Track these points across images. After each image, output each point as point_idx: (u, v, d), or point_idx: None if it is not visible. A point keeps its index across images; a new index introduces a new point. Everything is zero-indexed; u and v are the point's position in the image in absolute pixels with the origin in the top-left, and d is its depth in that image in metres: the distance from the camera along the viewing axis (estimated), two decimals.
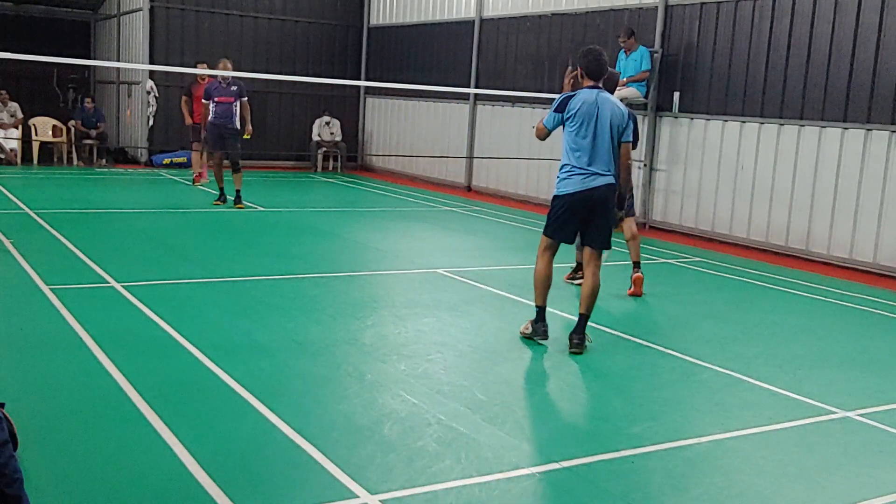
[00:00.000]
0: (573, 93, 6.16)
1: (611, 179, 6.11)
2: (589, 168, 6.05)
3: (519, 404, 5.09)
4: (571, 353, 6.07)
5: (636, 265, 8.12)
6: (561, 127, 6.21)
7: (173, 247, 9.34)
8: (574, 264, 8.34)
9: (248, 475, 3.85)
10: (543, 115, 6.42)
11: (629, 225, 8.27)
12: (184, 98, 14.85)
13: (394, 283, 8.29)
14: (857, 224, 10.26)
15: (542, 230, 6.37)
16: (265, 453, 4.09)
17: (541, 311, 6.27)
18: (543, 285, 6.25)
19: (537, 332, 6.26)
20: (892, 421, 5.08)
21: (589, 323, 6.27)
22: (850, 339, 7.10)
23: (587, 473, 4.12)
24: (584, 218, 6.15)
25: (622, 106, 6.21)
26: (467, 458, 4.16)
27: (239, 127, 12.41)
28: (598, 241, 6.24)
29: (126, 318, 6.29)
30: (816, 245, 10.72)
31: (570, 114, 6.08)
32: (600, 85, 6.18)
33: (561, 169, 6.19)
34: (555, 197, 6.22)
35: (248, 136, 12.76)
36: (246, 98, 12.52)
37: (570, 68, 6.56)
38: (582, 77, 6.19)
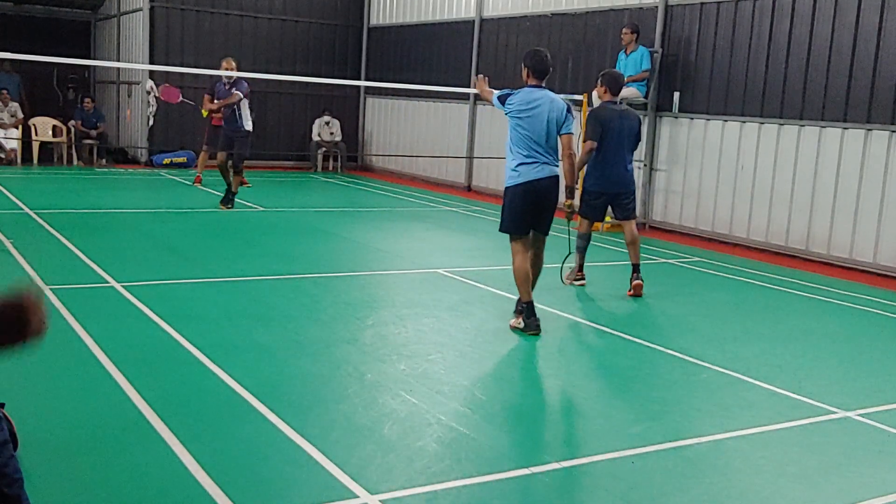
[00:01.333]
0: (516, 90, 6.57)
1: (555, 171, 6.53)
2: (532, 160, 6.46)
3: (519, 404, 5.09)
4: (512, 325, 6.48)
5: (636, 268, 8.11)
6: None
7: (173, 247, 9.34)
8: (574, 265, 8.34)
9: (248, 475, 3.85)
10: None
11: (630, 228, 8.27)
12: (206, 97, 14.52)
13: (394, 283, 8.29)
14: (857, 224, 10.26)
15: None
16: (265, 453, 4.09)
17: (529, 305, 6.47)
18: (526, 281, 6.50)
19: (530, 326, 6.43)
20: (892, 421, 5.08)
21: (589, 323, 6.27)
22: (850, 339, 7.10)
23: (587, 473, 4.12)
24: (533, 207, 6.51)
25: (561, 101, 6.61)
26: (467, 458, 4.16)
27: (246, 128, 12.26)
28: (544, 227, 6.65)
29: (126, 318, 6.29)
30: (816, 245, 10.72)
31: (510, 109, 6.51)
32: (543, 84, 6.60)
33: (508, 163, 6.58)
34: (505, 190, 6.61)
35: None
36: (242, 98, 12.46)
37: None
38: (528, 76, 6.61)
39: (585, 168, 8.17)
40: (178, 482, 3.74)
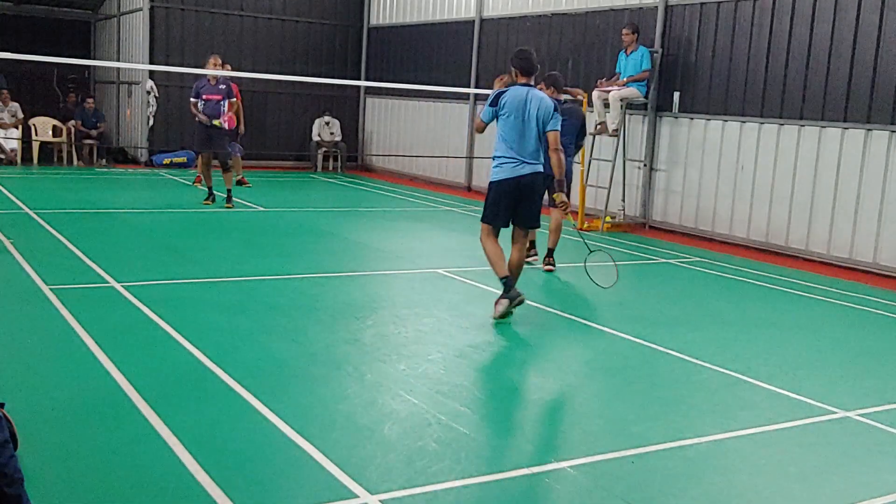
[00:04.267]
0: (505, 89, 6.82)
1: (538, 168, 6.80)
2: (517, 157, 6.72)
3: (519, 404, 5.09)
4: (496, 316, 6.61)
5: (550, 252, 8.93)
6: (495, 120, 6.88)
7: (173, 247, 9.34)
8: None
9: (248, 475, 3.85)
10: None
11: (556, 215, 8.78)
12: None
13: (394, 283, 8.29)
14: (857, 224, 10.26)
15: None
16: (265, 453, 4.09)
17: (507, 279, 6.73)
18: (499, 258, 6.81)
19: (513, 298, 6.65)
20: (892, 421, 5.08)
21: (589, 323, 6.27)
22: (850, 339, 7.10)
23: (587, 473, 4.12)
24: (514, 202, 6.78)
25: (549, 100, 6.85)
26: (467, 458, 4.16)
27: (227, 126, 12.35)
28: (526, 221, 6.90)
29: (126, 318, 6.29)
30: (816, 245, 10.72)
31: (501, 107, 6.76)
32: (531, 82, 6.87)
33: (494, 158, 6.84)
34: (489, 184, 6.90)
35: (219, 124, 12.60)
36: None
37: (504, 76, 7.27)
38: (515, 75, 6.88)
39: None
40: (179, 482, 3.74)
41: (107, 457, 3.97)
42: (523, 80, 6.85)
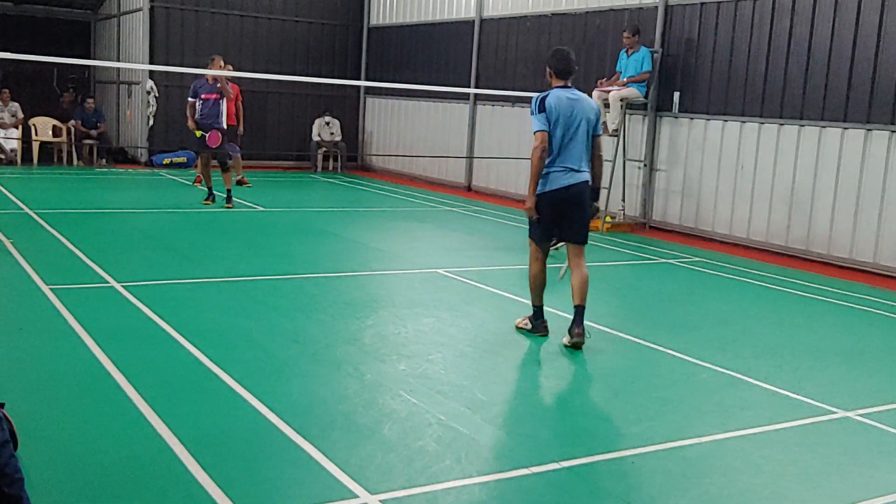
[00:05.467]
0: (546, 93, 6.21)
1: (586, 176, 6.24)
2: (565, 165, 6.14)
3: (519, 404, 5.09)
4: (572, 344, 6.13)
5: None
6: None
7: (173, 247, 9.34)
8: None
9: (248, 475, 3.85)
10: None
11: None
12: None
13: (394, 283, 8.29)
14: (857, 224, 10.26)
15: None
16: (265, 453, 4.09)
17: (539, 309, 6.49)
18: (540, 288, 6.43)
19: (538, 328, 6.46)
20: (892, 421, 5.08)
21: (590, 322, 6.27)
22: (850, 339, 7.10)
23: (587, 473, 4.12)
24: (562, 215, 6.24)
25: (593, 102, 6.36)
26: (467, 458, 4.16)
27: (225, 126, 12.37)
28: (577, 236, 6.34)
29: (126, 318, 6.29)
30: (816, 245, 10.72)
31: (549, 113, 6.11)
32: (569, 84, 6.28)
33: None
34: (534, 196, 6.24)
35: (199, 135, 12.57)
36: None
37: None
38: (551, 77, 6.32)
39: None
40: (179, 482, 3.74)
41: (106, 456, 3.97)
42: (560, 83, 6.25)
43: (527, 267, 6.55)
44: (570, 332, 6.21)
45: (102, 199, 13.10)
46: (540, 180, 6.17)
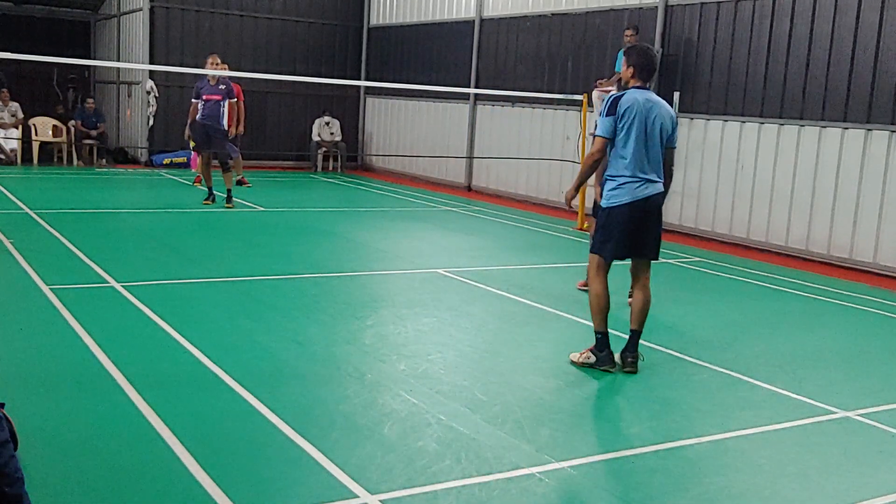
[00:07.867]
0: (620, 93, 5.66)
1: (661, 187, 5.70)
2: (641, 175, 5.58)
3: (519, 404, 5.09)
4: (626, 371, 5.71)
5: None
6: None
7: (173, 247, 9.34)
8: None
9: (248, 475, 3.85)
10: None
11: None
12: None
13: (394, 283, 8.28)
14: (857, 224, 10.26)
15: (593, 238, 5.99)
16: (265, 453, 4.09)
17: (604, 336, 5.76)
18: (604, 310, 5.77)
19: (603, 361, 5.73)
20: (892, 421, 5.08)
21: (589, 323, 6.25)
22: (850, 339, 7.10)
23: (587, 473, 4.12)
24: (637, 229, 5.65)
25: (671, 109, 5.80)
26: (467, 458, 4.16)
27: (226, 127, 12.38)
28: (651, 251, 5.79)
29: (126, 318, 6.29)
30: (816, 245, 10.72)
31: (621, 116, 5.56)
32: (648, 86, 5.76)
33: (608, 178, 5.68)
34: (606, 209, 5.69)
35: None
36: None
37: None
38: (632, 76, 5.72)
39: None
40: (179, 482, 3.74)
41: (106, 457, 3.97)
42: (638, 83, 5.67)
43: (528, 267, 6.52)
44: (623, 359, 5.75)
45: (102, 199, 13.10)
46: (612, 192, 5.63)
